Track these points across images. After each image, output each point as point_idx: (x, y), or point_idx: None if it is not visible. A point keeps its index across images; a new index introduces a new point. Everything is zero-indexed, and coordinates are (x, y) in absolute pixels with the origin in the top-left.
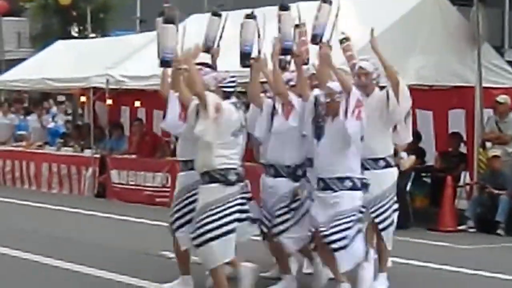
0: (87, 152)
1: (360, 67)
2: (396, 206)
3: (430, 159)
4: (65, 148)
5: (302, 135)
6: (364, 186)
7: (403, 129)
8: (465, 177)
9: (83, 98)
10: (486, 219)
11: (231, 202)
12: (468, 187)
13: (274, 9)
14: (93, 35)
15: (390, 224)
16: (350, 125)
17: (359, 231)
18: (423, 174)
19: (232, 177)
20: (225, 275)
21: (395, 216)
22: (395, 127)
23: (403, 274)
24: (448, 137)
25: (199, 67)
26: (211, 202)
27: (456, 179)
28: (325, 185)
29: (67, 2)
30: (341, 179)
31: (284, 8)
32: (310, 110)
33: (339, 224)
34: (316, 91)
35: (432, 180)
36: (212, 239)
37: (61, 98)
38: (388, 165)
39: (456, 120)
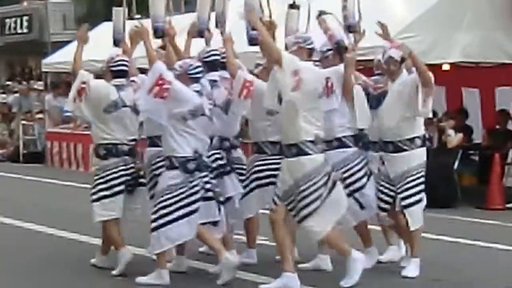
0: None
1: None
2: (316, 194)
3: (478, 137)
4: None
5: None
6: (182, 165)
7: (359, 111)
8: None
9: None
10: None
11: (107, 171)
12: None
13: None
14: (138, 16)
15: (307, 216)
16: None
17: (186, 214)
18: (471, 152)
19: (101, 151)
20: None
21: (313, 205)
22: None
23: (451, 252)
24: (496, 114)
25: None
26: (93, 173)
27: (504, 156)
28: None
29: None
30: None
31: None
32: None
33: (154, 206)
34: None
35: (479, 158)
36: (92, 201)
37: None
38: (300, 153)
39: (504, 97)
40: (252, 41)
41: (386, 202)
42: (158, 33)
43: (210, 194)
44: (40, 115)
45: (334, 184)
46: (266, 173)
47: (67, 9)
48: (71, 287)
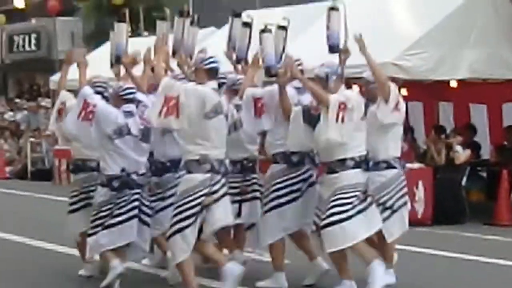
0: None
1: None
2: (186, 213)
3: (485, 153)
4: None
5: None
6: (108, 183)
7: (291, 134)
8: None
9: None
10: None
11: (77, 186)
12: None
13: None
14: (146, 33)
15: (173, 234)
16: None
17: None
18: (479, 168)
19: (71, 166)
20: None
21: (182, 224)
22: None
23: (459, 269)
24: (503, 130)
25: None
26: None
27: None
28: None
29: (120, 2)
30: None
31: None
32: None
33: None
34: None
35: (487, 174)
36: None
37: None
38: (187, 171)
39: (511, 113)
40: (333, 50)
41: (314, 223)
42: (117, 60)
43: (134, 212)
44: (48, 132)
45: (204, 208)
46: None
47: (75, 27)
48: None
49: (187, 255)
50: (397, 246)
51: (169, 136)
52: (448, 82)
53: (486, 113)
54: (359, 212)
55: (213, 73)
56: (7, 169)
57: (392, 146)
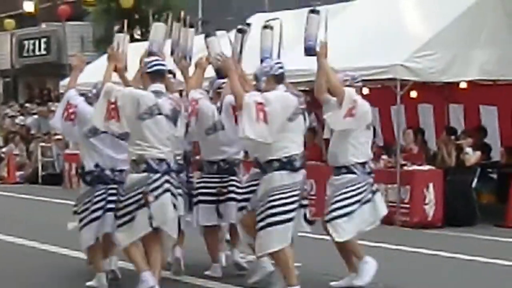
0: None
1: None
2: (126, 209)
3: (496, 155)
4: None
5: None
6: (82, 178)
7: None
8: None
9: None
10: None
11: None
12: None
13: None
14: None
15: (117, 226)
16: None
17: (89, 221)
18: (489, 170)
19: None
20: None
21: (122, 219)
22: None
23: (470, 271)
24: None
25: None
26: None
27: None
28: None
29: (129, 5)
30: None
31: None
32: None
33: None
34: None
35: (498, 176)
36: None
37: None
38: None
39: None
40: (308, 52)
41: None
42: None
43: (111, 206)
44: (58, 137)
45: (144, 204)
46: (198, 191)
47: (85, 31)
48: None
49: (131, 240)
50: (408, 249)
51: None
52: (458, 83)
53: (496, 115)
54: (291, 216)
55: (156, 75)
56: (18, 173)
57: (352, 151)
